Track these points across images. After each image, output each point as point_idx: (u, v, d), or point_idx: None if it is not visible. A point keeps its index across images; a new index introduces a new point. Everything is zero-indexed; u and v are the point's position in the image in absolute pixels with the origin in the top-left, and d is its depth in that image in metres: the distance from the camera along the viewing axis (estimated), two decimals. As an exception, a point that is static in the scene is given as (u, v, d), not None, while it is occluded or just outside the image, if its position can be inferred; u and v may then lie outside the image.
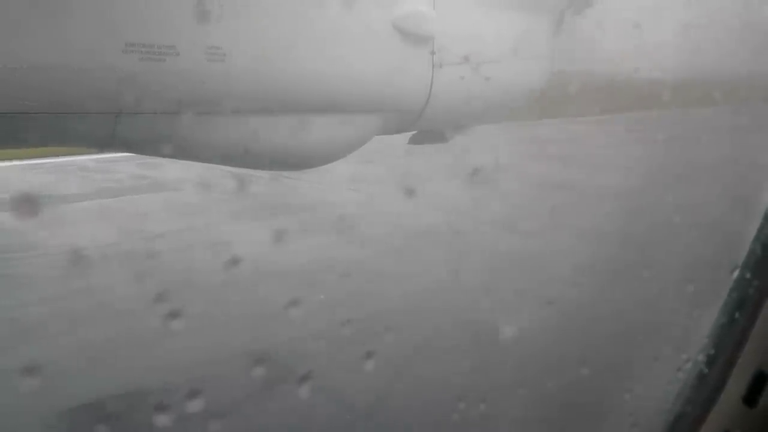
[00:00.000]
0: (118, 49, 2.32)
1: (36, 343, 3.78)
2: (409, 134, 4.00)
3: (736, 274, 1.22)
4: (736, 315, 1.20)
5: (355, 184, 7.65)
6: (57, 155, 8.01)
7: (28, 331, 3.92)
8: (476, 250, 5.63)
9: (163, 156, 3.21)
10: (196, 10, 2.49)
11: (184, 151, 2.98)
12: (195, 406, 2.22)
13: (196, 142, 2.83)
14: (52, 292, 4.49)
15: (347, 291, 4.72)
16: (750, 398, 1.10)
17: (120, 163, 7.75)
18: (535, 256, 5.51)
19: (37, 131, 2.56)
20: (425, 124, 3.68)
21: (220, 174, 7.08)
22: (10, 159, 7.58)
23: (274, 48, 2.73)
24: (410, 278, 4.97)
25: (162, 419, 2.25)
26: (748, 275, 1.20)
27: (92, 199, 6.92)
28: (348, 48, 2.88)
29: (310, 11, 2.76)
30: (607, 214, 6.55)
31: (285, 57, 2.77)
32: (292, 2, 2.69)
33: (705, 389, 1.21)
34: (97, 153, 7.43)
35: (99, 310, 4.22)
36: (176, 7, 2.44)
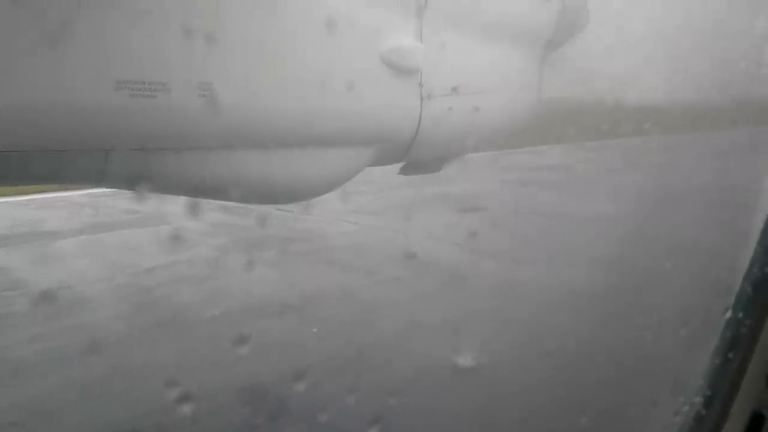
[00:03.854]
0: (109, 86, 2.32)
1: (23, 383, 3.72)
2: (400, 165, 4.02)
3: (728, 314, 1.22)
4: (730, 355, 1.19)
5: (347, 215, 7.67)
6: (47, 191, 7.99)
7: (17, 370, 3.85)
8: (466, 281, 5.63)
9: (155, 192, 3.19)
10: (187, 46, 2.51)
11: (175, 187, 2.97)
12: None
13: (187, 178, 2.82)
14: (38, 330, 4.42)
15: (338, 323, 4.69)
16: (748, 439, 1.10)
17: (111, 197, 7.73)
18: (525, 287, 5.52)
19: (26, 169, 2.55)
20: (415, 155, 3.68)
21: (211, 207, 7.11)
22: (-1, 195, 7.56)
23: (264, 83, 2.75)
24: (400, 310, 4.95)
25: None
26: (740, 315, 1.20)
27: (82, 234, 6.88)
28: (336, 81, 2.90)
29: (299, 46, 2.78)
30: (598, 241, 6.59)
31: (275, 91, 2.78)
32: (281, 37, 2.72)
33: (703, 431, 1.20)
34: (88, 189, 7.40)
35: (85, 348, 4.16)
36: (168, 43, 2.45)
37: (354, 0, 2.91)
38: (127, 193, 6.19)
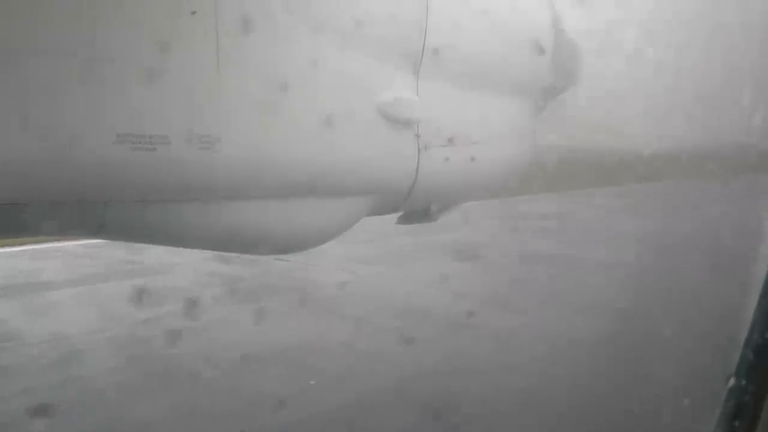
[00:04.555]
0: (109, 140, 2.35)
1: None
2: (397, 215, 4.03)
3: (731, 383, 1.21)
4: (736, 423, 1.17)
5: (344, 263, 7.65)
6: (42, 241, 7.96)
7: (7, 426, 3.77)
8: (463, 330, 5.59)
9: (153, 243, 3.19)
10: (188, 100, 2.55)
11: (173, 238, 2.97)
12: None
13: (185, 229, 2.83)
14: (33, 383, 4.35)
15: (335, 374, 4.62)
16: None
17: (107, 248, 7.71)
18: (520, 337, 5.48)
19: (25, 222, 2.56)
20: (413, 205, 3.71)
21: (208, 257, 7.09)
22: (-6, 246, 7.52)
23: (264, 135, 2.79)
24: (397, 360, 4.89)
25: None
26: (743, 382, 1.18)
27: (78, 285, 6.83)
28: (335, 133, 2.94)
29: (298, 99, 2.83)
30: (594, 292, 6.57)
31: (274, 143, 2.82)
32: (280, 90, 2.77)
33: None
34: (85, 240, 7.38)
35: (80, 402, 4.08)
36: (169, 97, 2.49)
37: (352, 53, 2.98)
38: (123, 244, 6.22)
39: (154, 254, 7.26)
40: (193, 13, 2.44)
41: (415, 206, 3.79)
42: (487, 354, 5.05)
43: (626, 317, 5.66)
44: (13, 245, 7.64)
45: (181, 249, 4.20)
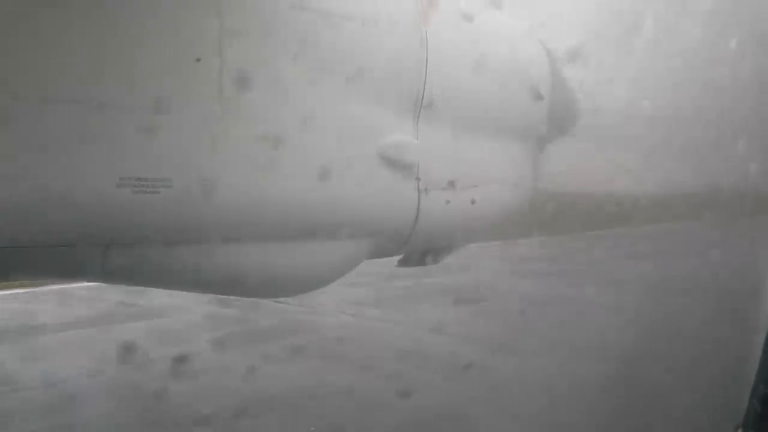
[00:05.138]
0: (112, 183, 2.36)
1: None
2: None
3: None
4: None
5: (345, 306, 7.60)
6: (40, 284, 7.91)
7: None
8: (465, 374, 5.51)
9: (153, 286, 3.18)
10: (192, 145, 2.57)
11: (173, 282, 2.96)
12: None
13: (185, 273, 2.81)
14: (27, 429, 4.26)
15: (337, 420, 4.54)
16: None
17: (106, 290, 7.66)
18: (521, 381, 5.40)
19: (25, 265, 2.55)
20: (413, 247, 3.71)
21: (207, 299, 7.04)
22: (-7, 289, 7.46)
23: (265, 178, 2.80)
24: (399, 405, 4.80)
25: None
26: None
27: (75, 328, 6.76)
28: (336, 176, 2.96)
29: (299, 143, 2.86)
30: (597, 333, 6.50)
31: (275, 186, 2.83)
32: (282, 135, 2.80)
33: None
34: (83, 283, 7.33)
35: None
36: (172, 142, 2.52)
37: (353, 99, 3.02)
38: (121, 287, 6.18)
39: (152, 296, 7.20)
40: (198, 60, 2.49)
41: (416, 249, 3.79)
42: (488, 401, 4.96)
43: (630, 364, 5.58)
44: (13, 288, 7.59)
45: (180, 292, 4.17)
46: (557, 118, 4.06)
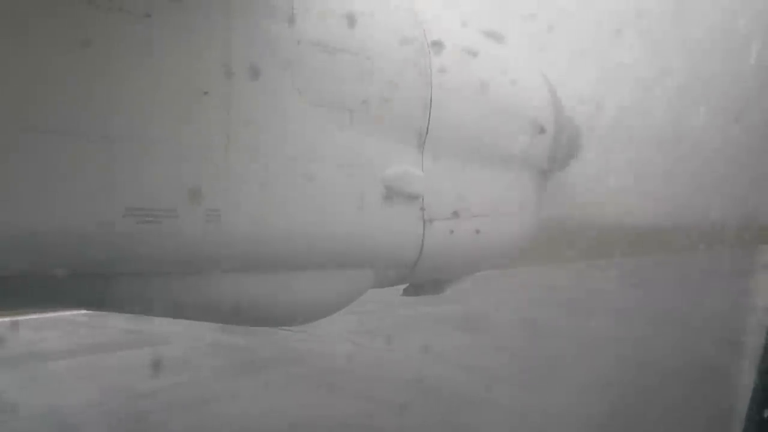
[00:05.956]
0: (118, 214, 2.38)
1: None
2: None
3: None
4: None
5: (349, 335, 7.56)
6: (43, 311, 7.90)
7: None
8: (470, 407, 5.45)
9: (156, 315, 3.18)
10: (197, 174, 2.59)
11: (176, 310, 2.96)
12: None
13: (189, 302, 2.81)
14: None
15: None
16: None
17: (110, 317, 7.65)
18: (526, 413, 5.33)
19: (28, 294, 2.56)
20: (418, 277, 3.71)
21: (210, 327, 7.01)
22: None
23: (270, 209, 2.81)
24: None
25: None
26: None
27: (78, 356, 6.74)
28: (341, 207, 2.98)
29: (305, 174, 2.88)
30: (598, 365, 6.43)
31: (280, 217, 2.84)
32: (287, 166, 2.82)
33: None
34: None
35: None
36: (178, 172, 2.54)
37: (357, 130, 3.05)
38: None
39: (155, 324, 7.18)
40: (206, 93, 2.52)
41: (421, 278, 3.79)
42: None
43: (630, 394, 5.52)
44: (15, 315, 7.58)
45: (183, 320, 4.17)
46: (560, 148, 4.08)
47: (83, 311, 7.81)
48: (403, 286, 3.98)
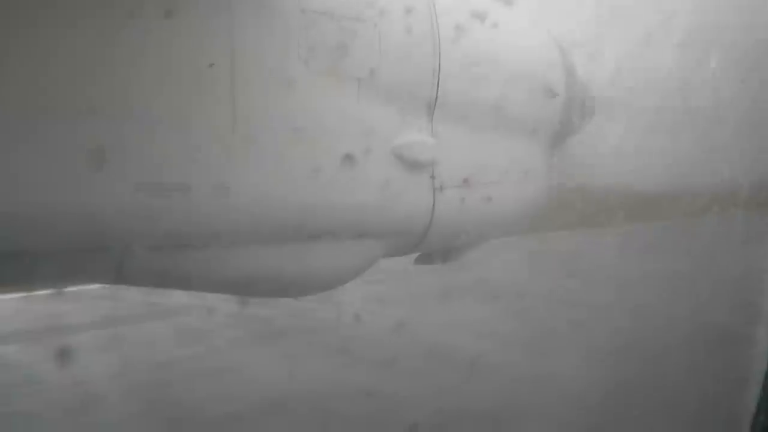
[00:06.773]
0: (129, 189, 2.40)
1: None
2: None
3: None
4: None
5: (364, 303, 7.61)
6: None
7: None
8: (487, 372, 5.50)
9: (171, 288, 3.23)
10: (206, 148, 2.60)
11: (190, 283, 3.00)
12: None
13: (202, 275, 2.86)
14: (55, 430, 4.36)
15: (357, 418, 4.57)
16: None
17: (128, 290, 7.76)
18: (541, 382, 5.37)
19: (42, 270, 2.60)
20: (429, 246, 3.71)
21: (227, 298, 7.09)
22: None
23: (280, 180, 2.82)
24: (420, 404, 4.81)
25: None
26: None
27: (99, 328, 6.88)
28: (350, 177, 2.98)
29: (314, 145, 2.87)
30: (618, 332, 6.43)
31: (291, 188, 2.85)
32: (296, 137, 2.81)
33: None
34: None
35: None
36: (191, 145, 2.55)
37: (366, 98, 3.03)
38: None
39: (174, 296, 7.29)
40: (211, 65, 2.52)
41: (432, 247, 3.79)
42: (510, 397, 4.95)
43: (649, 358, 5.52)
44: (33, 289, 7.71)
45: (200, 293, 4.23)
46: (572, 114, 4.02)
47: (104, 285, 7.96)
48: (415, 256, 3.99)
